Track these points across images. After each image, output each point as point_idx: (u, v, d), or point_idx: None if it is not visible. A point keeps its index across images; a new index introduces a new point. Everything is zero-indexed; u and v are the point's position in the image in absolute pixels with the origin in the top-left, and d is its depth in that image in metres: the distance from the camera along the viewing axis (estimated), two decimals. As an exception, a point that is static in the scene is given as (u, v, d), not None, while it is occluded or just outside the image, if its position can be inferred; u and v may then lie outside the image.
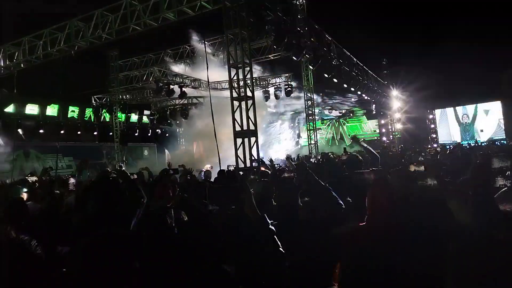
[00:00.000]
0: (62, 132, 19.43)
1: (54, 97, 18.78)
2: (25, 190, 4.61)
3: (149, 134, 23.88)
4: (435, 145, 23.74)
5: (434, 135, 28.17)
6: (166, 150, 23.84)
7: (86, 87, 18.92)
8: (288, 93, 19.53)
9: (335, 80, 14.57)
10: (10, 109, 18.00)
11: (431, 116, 28.70)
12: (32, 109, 19.02)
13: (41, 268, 1.94)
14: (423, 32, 28.60)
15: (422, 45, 27.12)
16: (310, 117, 20.07)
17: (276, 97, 19.83)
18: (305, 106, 20.19)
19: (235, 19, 8.92)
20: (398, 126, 25.95)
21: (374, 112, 26.50)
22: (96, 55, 16.64)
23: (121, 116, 20.94)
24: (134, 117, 23.61)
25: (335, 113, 29.37)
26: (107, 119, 21.50)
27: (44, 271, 1.95)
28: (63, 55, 12.50)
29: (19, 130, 17.37)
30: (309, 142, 20.02)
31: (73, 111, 20.72)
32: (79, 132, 20.97)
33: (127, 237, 1.35)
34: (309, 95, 19.68)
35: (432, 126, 28.57)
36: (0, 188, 4.76)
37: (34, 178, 6.26)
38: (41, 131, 18.84)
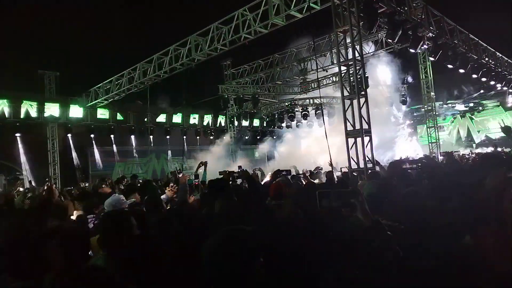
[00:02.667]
0: (184, 137, 21.66)
1: (179, 106, 21.10)
2: None
3: (259, 137, 24.91)
4: None
5: None
6: (275, 152, 24.48)
7: (206, 96, 20.75)
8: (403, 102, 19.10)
9: (460, 70, 12.98)
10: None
11: None
12: (161, 117, 21.79)
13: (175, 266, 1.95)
14: None
15: None
16: (429, 113, 18.35)
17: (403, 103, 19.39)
18: (424, 100, 18.53)
19: (345, 16, 8.65)
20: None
21: (510, 105, 22.79)
22: (212, 66, 18.12)
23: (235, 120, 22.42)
24: (245, 122, 24.88)
25: (460, 107, 26.11)
26: (223, 124, 23.31)
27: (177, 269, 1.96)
28: (185, 68, 13.92)
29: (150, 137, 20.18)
30: (430, 141, 18.26)
31: (194, 118, 23.04)
32: (198, 137, 23.08)
33: (253, 234, 1.39)
34: (428, 89, 17.98)
35: None
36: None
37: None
38: (168, 136, 21.38)
